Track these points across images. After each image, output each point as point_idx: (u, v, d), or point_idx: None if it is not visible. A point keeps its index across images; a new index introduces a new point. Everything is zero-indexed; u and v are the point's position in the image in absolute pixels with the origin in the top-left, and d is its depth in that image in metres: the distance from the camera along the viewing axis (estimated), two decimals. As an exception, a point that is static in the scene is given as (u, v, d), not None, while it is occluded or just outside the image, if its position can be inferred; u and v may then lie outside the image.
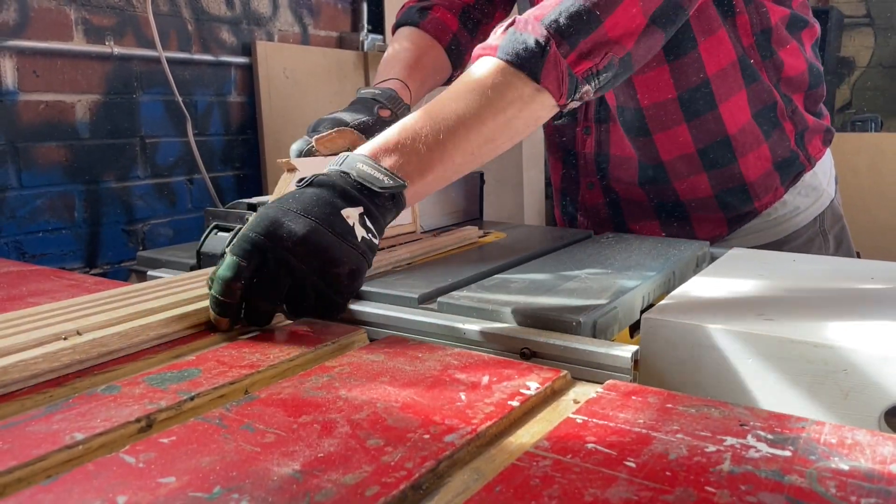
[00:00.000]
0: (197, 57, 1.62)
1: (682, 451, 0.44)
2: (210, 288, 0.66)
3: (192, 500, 0.39)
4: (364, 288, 0.83)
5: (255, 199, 1.00)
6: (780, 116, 1.13)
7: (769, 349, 0.63)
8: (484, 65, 0.78)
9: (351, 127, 0.97)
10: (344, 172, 0.70)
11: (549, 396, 0.55)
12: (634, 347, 0.67)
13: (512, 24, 0.79)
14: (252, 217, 0.66)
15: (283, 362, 0.60)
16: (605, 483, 0.40)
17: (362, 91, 1.05)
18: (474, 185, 1.53)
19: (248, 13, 1.75)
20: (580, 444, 0.45)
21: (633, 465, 0.42)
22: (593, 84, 0.81)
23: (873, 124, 3.67)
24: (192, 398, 0.53)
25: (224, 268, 0.64)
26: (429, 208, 1.35)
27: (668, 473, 0.41)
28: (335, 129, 0.95)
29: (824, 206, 1.20)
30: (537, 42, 0.75)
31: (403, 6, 1.19)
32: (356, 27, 2.05)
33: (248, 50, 1.72)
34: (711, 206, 1.15)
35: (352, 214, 0.67)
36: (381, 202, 0.71)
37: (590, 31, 0.77)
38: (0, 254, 1.29)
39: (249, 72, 1.73)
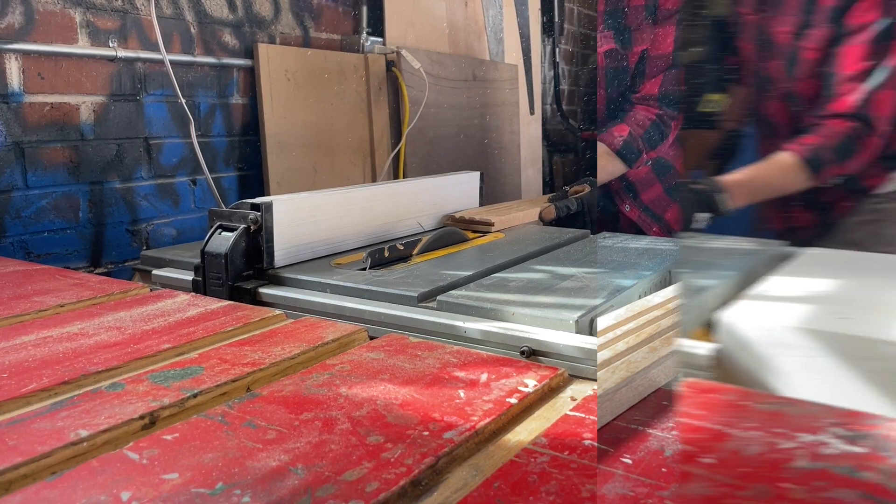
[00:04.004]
0: (200, 59, 1.62)
1: (676, 447, 0.44)
2: None
3: (194, 496, 0.40)
4: (363, 286, 0.84)
5: (258, 200, 1.01)
6: None
7: (844, 347, 0.63)
8: None
9: None
10: None
11: (547, 394, 0.55)
12: (632, 346, 0.68)
13: None
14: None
15: (284, 360, 0.61)
16: (601, 479, 0.41)
17: None
18: (474, 184, 1.54)
19: (250, 16, 1.75)
20: (577, 441, 0.45)
21: (629, 461, 0.43)
22: None
23: None
24: (194, 395, 0.53)
25: None
26: (428, 208, 1.36)
27: (663, 469, 0.42)
28: None
29: None
30: None
31: None
32: (357, 30, 2.05)
33: (250, 52, 1.73)
34: None
35: None
36: None
37: None
38: (6, 253, 1.30)
39: (251, 74, 1.74)
